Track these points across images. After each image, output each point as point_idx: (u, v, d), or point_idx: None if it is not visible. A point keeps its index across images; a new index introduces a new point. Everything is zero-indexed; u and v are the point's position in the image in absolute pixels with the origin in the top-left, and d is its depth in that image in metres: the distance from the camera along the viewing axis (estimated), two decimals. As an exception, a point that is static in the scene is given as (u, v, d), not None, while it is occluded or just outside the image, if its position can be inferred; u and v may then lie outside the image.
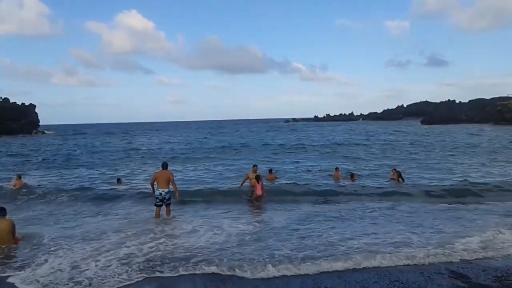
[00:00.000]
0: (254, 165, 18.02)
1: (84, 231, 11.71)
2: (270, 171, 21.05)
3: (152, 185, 13.26)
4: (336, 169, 22.00)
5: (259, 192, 15.89)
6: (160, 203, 13.20)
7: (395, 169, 20.92)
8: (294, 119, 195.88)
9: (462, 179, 19.89)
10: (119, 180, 20.74)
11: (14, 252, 9.88)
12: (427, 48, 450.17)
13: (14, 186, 18.54)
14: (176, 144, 54.43)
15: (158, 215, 13.25)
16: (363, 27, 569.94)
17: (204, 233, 11.20)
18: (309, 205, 15.51)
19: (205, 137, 70.03)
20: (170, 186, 13.27)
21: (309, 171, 24.50)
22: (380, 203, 15.49)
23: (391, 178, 20.43)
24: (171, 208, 13.49)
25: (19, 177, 19.08)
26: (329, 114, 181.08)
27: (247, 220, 13.04)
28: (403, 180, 19.75)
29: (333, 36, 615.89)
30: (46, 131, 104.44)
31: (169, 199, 13.26)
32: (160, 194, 13.09)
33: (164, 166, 13.66)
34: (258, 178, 16.24)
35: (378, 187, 18.64)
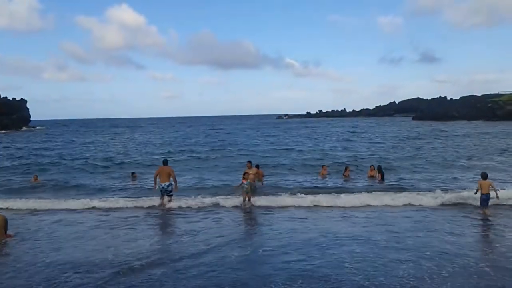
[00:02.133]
0: (248, 161, 18.25)
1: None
2: (257, 167, 19.32)
3: (155, 178, 15.21)
4: (323, 166, 22.04)
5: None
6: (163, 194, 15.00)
7: (373, 166, 20.51)
8: (287, 115, 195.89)
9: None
10: (133, 174, 20.66)
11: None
12: (420, 44, 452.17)
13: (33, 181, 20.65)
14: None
15: (162, 203, 14.91)
16: (356, 23, 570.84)
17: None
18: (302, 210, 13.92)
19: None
20: (171, 180, 14.94)
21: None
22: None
23: (370, 176, 20.09)
24: (172, 198, 15.10)
25: (36, 177, 21.10)
26: (321, 110, 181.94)
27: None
28: (383, 179, 19.16)
29: (326, 32, 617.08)
30: (38, 127, 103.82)
31: (170, 191, 15.00)
32: (163, 187, 14.86)
33: (165, 163, 15.45)
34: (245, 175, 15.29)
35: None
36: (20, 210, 14.76)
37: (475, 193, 12.97)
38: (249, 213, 13.83)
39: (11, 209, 14.65)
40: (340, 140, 47.67)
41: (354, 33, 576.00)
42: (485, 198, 12.63)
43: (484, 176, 12.82)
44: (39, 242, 10.46)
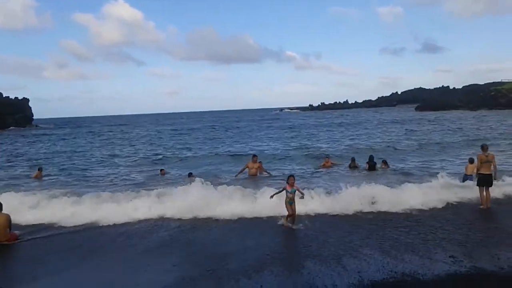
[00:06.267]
0: (254, 155, 18.45)
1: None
2: (254, 156, 18.88)
3: None
4: (326, 158, 21.85)
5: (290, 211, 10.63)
6: None
7: (384, 161, 19.99)
8: (289, 108, 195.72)
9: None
10: (162, 171, 20.69)
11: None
12: (421, 34, 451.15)
13: (35, 176, 20.46)
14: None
15: None
16: (356, 14, 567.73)
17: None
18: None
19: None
20: None
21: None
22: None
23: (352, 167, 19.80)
24: None
25: (39, 169, 21.08)
26: (324, 103, 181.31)
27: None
28: (372, 169, 18.94)
29: (326, 24, 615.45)
30: (41, 125, 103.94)
31: None
32: None
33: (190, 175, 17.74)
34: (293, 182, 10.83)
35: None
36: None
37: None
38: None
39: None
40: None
41: (354, 25, 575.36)
42: (469, 179, 14.94)
43: (471, 161, 15.54)
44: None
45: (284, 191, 10.72)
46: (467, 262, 7.79)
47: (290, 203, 10.54)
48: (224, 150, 31.31)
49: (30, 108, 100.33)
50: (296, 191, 10.71)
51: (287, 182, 10.84)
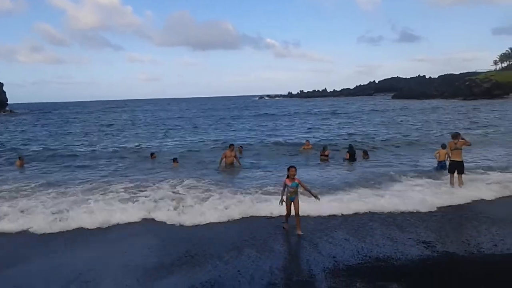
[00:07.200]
0: (231, 144, 18.42)
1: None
2: (231, 145, 18.52)
3: None
4: (306, 141, 22.80)
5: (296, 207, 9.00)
6: None
7: (365, 151, 19.63)
8: (269, 96, 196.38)
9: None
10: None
11: None
12: (398, 23, 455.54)
13: (18, 165, 19.80)
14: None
15: None
16: (335, 2, 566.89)
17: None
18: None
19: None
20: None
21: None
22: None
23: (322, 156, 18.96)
24: None
25: (20, 158, 20.47)
26: (302, 91, 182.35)
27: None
28: (352, 159, 18.36)
29: (305, 11, 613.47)
30: (15, 110, 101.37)
31: None
32: None
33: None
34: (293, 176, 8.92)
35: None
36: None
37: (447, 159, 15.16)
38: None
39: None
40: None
41: (332, 13, 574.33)
42: (443, 165, 15.27)
43: (443, 147, 15.71)
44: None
45: (285, 185, 9.00)
46: (439, 247, 8.03)
47: (291, 199, 8.93)
48: (203, 138, 31.11)
49: (5, 93, 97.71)
50: (299, 186, 8.97)
51: (286, 176, 9.03)
